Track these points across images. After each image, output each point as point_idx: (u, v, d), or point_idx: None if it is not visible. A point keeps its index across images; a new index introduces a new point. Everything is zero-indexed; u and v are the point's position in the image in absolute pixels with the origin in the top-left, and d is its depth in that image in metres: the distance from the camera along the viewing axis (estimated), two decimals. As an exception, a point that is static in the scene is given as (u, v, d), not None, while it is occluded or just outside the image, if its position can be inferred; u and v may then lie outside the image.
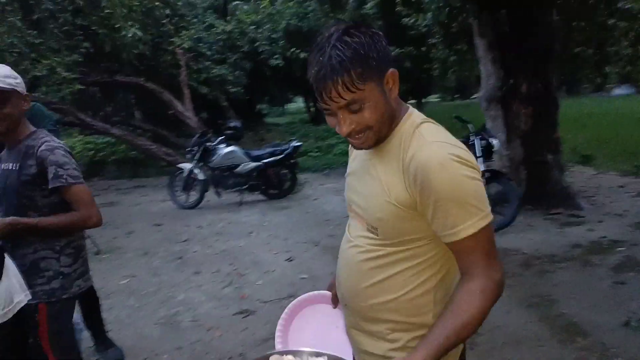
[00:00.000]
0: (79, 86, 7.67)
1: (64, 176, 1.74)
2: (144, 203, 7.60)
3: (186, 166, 6.88)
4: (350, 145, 1.33)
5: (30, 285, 1.76)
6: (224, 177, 6.89)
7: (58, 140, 1.83)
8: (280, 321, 1.46)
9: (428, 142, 1.03)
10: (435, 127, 1.10)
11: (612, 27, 6.87)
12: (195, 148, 6.94)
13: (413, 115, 1.11)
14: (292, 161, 7.12)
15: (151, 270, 4.46)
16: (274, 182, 7.12)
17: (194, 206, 6.83)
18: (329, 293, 1.43)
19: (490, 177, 4.81)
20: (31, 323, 1.79)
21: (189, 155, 7.09)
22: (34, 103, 2.71)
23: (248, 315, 3.45)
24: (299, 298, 1.47)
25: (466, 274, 1.05)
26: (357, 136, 1.08)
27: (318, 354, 1.12)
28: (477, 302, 1.00)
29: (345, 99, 1.00)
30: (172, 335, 3.23)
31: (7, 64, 1.79)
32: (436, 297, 1.13)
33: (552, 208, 5.35)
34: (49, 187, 1.74)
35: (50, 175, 1.73)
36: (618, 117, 13.73)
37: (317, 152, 10.92)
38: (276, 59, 11.74)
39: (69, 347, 1.89)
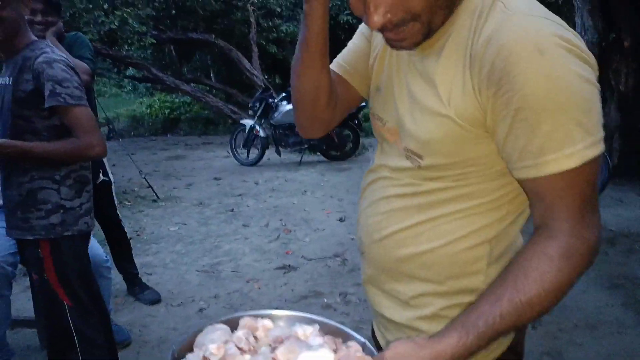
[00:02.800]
0: (152, 40, 7.76)
1: (62, 95, 1.48)
2: (208, 158, 7.67)
3: (248, 122, 6.77)
4: (368, 35, 0.96)
5: (26, 218, 1.57)
6: (285, 135, 6.73)
7: (61, 53, 1.59)
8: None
9: (517, 15, 0.64)
10: None
11: None
12: (257, 104, 6.81)
13: None
14: (355, 122, 6.80)
15: (202, 220, 4.42)
16: (336, 143, 6.84)
17: (254, 163, 6.75)
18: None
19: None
20: (32, 260, 1.62)
21: (251, 112, 6.99)
22: (75, 32, 2.64)
23: (290, 271, 3.28)
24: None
25: (544, 227, 0.68)
26: (395, 30, 0.70)
27: (310, 320, 0.79)
28: (555, 272, 0.65)
29: None
30: (211, 283, 3.15)
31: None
32: (492, 254, 0.79)
33: (648, 183, 4.65)
34: (45, 106, 1.49)
35: (46, 93, 1.47)
36: None
37: (385, 117, 10.42)
38: (346, 14, 11.04)
39: (81, 285, 1.68)
